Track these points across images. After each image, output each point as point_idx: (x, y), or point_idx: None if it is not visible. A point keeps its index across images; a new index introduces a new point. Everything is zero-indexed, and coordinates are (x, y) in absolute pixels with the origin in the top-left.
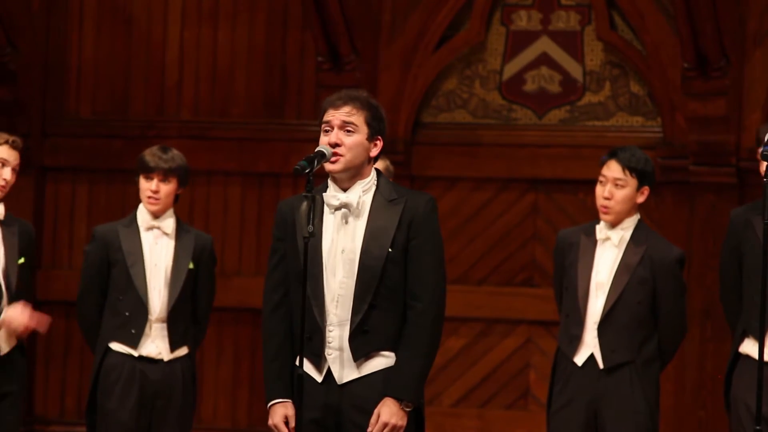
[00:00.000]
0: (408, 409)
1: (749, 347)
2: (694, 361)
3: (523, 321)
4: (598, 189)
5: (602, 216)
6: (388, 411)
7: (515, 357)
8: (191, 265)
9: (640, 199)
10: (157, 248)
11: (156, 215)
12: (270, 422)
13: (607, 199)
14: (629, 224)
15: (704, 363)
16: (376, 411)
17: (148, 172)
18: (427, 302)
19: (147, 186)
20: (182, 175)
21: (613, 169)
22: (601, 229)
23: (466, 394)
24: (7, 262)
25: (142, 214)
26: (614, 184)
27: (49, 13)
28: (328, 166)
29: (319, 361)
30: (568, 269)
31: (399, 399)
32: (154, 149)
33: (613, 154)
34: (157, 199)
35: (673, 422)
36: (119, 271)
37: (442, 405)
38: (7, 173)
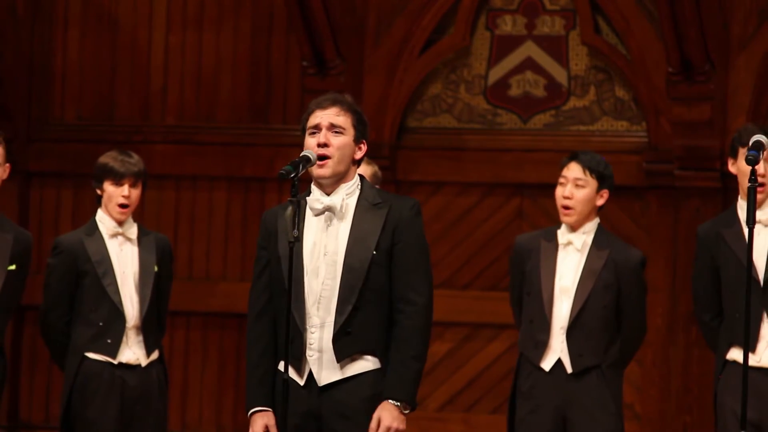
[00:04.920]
0: (406, 411)
1: (736, 354)
2: (679, 365)
3: (508, 325)
4: (559, 190)
5: (563, 217)
6: (389, 415)
7: (500, 361)
8: (156, 268)
9: (600, 201)
10: (123, 255)
11: (121, 222)
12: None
13: (567, 198)
14: (590, 228)
15: (689, 368)
16: (375, 415)
17: (119, 178)
18: (417, 305)
19: (118, 192)
20: (146, 179)
21: (573, 170)
22: (562, 234)
23: (452, 398)
24: None
25: (105, 221)
26: (575, 184)
27: (34, 18)
28: (316, 171)
29: (300, 364)
30: (529, 275)
31: (397, 401)
32: (114, 154)
33: (573, 157)
34: (128, 205)
35: (658, 427)
36: (90, 282)
37: (427, 409)
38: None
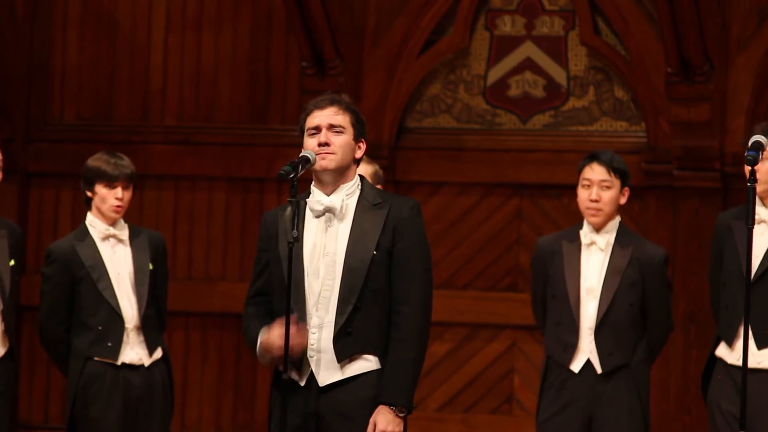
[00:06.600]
0: (402, 415)
1: (722, 350)
2: (678, 365)
3: (507, 326)
4: (583, 192)
5: (590, 219)
6: (384, 419)
7: (500, 362)
8: (150, 266)
9: (622, 200)
10: (116, 256)
11: (113, 222)
12: (264, 345)
13: (595, 201)
14: (612, 227)
15: (688, 368)
16: (371, 420)
17: (112, 181)
18: (415, 307)
19: (111, 195)
20: (137, 180)
21: (597, 171)
22: (585, 234)
23: (451, 398)
24: (0, 264)
25: (96, 225)
26: (600, 186)
27: (33, 18)
28: (320, 163)
29: (300, 364)
30: (554, 277)
31: (393, 405)
32: (106, 157)
33: (594, 157)
34: (121, 206)
35: (657, 427)
36: (86, 288)
37: (426, 410)
38: None
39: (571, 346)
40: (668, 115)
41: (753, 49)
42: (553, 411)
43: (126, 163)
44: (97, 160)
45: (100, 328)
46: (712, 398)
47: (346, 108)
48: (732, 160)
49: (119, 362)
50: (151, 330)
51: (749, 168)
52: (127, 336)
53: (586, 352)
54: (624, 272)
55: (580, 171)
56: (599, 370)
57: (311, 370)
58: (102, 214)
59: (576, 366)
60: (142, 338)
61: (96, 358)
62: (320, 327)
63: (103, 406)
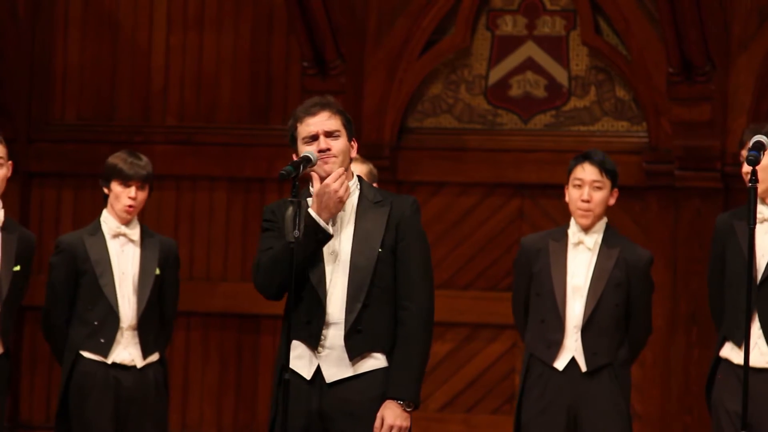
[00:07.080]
0: (410, 409)
1: (728, 351)
2: (679, 366)
3: (508, 326)
4: (575, 192)
5: (581, 219)
6: (392, 413)
7: (501, 362)
8: (157, 271)
9: (612, 201)
10: (124, 256)
11: (126, 222)
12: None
13: (586, 201)
14: (600, 228)
15: (689, 368)
16: (379, 415)
17: (126, 180)
18: (420, 302)
19: (125, 193)
20: (152, 181)
21: (589, 172)
22: (574, 233)
23: (452, 398)
24: (1, 268)
25: (108, 222)
26: (592, 186)
27: (34, 18)
28: (324, 168)
29: (308, 360)
30: (539, 275)
31: (400, 400)
32: (124, 155)
33: (586, 157)
34: (134, 206)
35: (658, 427)
36: (88, 281)
37: (427, 410)
38: (2, 171)
39: (555, 344)
40: (669, 115)
41: (754, 49)
42: (537, 411)
43: (143, 164)
44: (115, 158)
45: (95, 323)
46: (717, 399)
47: (336, 111)
48: (733, 160)
49: (110, 361)
50: (148, 333)
51: (749, 168)
52: (122, 335)
53: (571, 350)
54: (611, 273)
55: (570, 171)
56: (584, 369)
57: (318, 366)
58: (116, 213)
59: (560, 364)
60: (137, 340)
61: (87, 354)
62: (330, 325)
63: (94, 406)
